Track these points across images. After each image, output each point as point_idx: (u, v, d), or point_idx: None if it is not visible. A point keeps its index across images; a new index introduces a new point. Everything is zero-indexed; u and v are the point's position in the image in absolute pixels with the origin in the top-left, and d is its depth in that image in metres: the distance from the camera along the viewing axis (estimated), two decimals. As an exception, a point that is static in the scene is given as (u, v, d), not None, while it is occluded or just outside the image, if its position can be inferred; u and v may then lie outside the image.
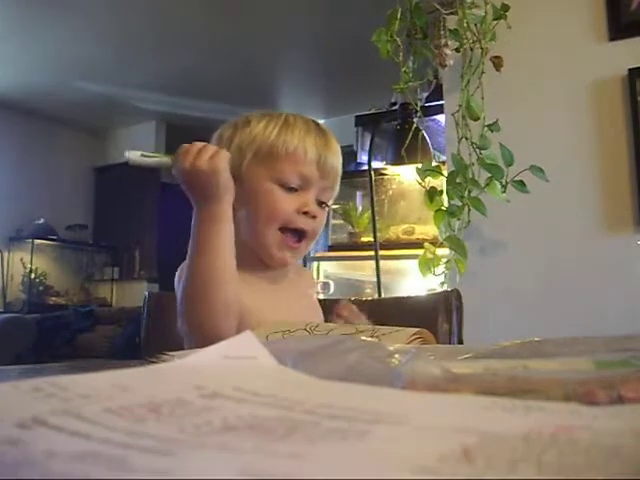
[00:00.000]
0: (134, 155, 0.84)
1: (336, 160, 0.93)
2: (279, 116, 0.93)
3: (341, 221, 2.82)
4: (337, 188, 0.96)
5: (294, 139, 0.89)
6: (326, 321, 0.94)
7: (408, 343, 0.67)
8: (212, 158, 0.78)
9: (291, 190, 0.89)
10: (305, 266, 2.51)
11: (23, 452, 0.17)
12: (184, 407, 0.23)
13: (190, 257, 0.80)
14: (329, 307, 0.97)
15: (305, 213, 0.89)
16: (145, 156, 0.84)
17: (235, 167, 0.90)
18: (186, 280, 0.80)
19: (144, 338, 1.17)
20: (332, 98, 5.45)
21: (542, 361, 0.35)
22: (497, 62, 1.73)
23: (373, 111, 3.05)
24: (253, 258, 0.93)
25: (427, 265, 1.77)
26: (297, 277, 1.02)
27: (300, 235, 0.90)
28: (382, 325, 0.76)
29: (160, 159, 0.83)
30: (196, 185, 0.79)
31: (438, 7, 1.74)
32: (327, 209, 0.96)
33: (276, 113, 0.94)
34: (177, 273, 0.88)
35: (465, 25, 1.72)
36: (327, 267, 2.74)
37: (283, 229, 0.89)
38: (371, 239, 2.26)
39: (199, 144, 0.79)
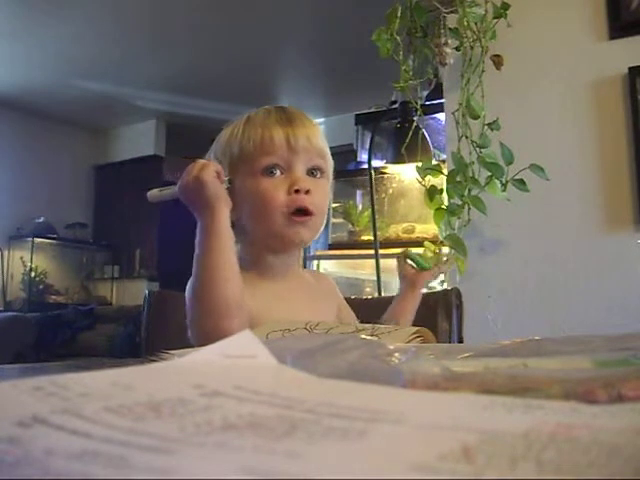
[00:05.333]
0: (153, 192, 0.89)
1: (307, 132, 0.91)
2: (243, 117, 0.95)
3: (341, 220, 2.82)
4: (327, 155, 0.95)
5: (257, 129, 0.90)
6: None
7: (408, 342, 0.67)
8: (199, 172, 0.80)
9: (274, 175, 0.89)
10: (305, 265, 2.50)
11: (23, 451, 0.17)
12: (184, 406, 0.23)
13: (194, 268, 0.82)
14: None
15: (297, 191, 0.89)
16: (162, 190, 0.89)
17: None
18: (193, 290, 0.82)
19: (144, 337, 1.17)
20: (332, 97, 5.45)
21: (542, 360, 0.35)
22: (497, 61, 1.73)
23: (373, 110, 3.05)
24: (264, 262, 0.93)
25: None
26: (316, 282, 1.03)
27: (305, 213, 0.90)
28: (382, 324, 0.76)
29: (174, 189, 0.87)
30: (189, 200, 0.82)
31: (438, 5, 1.74)
32: (325, 180, 0.95)
33: (243, 114, 0.95)
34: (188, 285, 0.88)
35: (465, 24, 1.71)
36: (327, 266, 2.74)
37: (287, 216, 0.89)
38: (371, 238, 2.26)
39: (193, 162, 0.82)
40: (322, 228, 0.96)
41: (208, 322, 0.79)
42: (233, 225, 0.95)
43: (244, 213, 0.91)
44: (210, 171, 0.80)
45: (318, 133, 0.94)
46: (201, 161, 0.82)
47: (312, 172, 0.92)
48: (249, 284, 0.88)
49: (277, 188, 0.89)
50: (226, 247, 0.80)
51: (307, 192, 0.89)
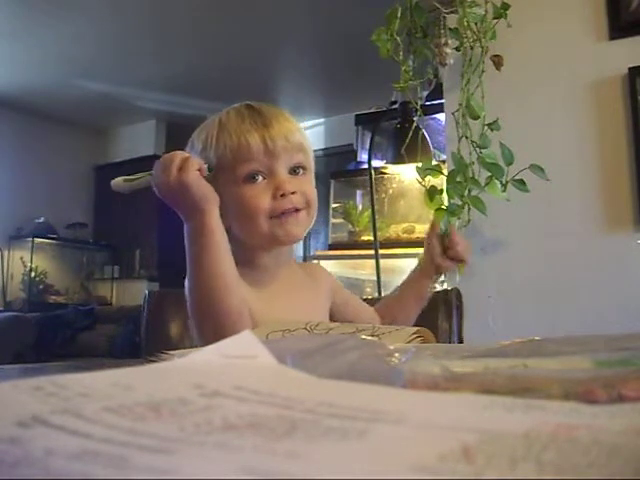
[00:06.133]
0: (117, 182, 0.82)
1: (283, 130, 0.88)
2: (213, 121, 0.91)
3: (341, 220, 2.83)
4: (307, 149, 0.92)
5: (232, 136, 0.87)
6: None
7: (408, 342, 0.67)
8: (180, 171, 0.74)
9: (257, 181, 0.87)
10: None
11: (23, 451, 0.17)
12: (184, 406, 0.23)
13: (190, 271, 0.79)
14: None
15: (282, 196, 0.86)
16: (128, 180, 0.82)
17: None
18: (191, 293, 0.79)
19: (144, 337, 1.17)
20: (332, 97, 5.45)
21: (542, 360, 0.35)
22: (497, 61, 1.73)
23: (373, 110, 3.05)
24: (258, 262, 0.92)
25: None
26: (308, 275, 1.01)
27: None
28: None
29: (144, 178, 0.80)
30: (172, 202, 0.77)
31: (438, 6, 1.74)
32: (308, 173, 0.92)
33: (212, 118, 0.92)
34: (186, 282, 0.85)
35: (465, 24, 1.71)
36: (327, 266, 2.73)
37: (272, 217, 0.87)
38: (371, 238, 2.26)
39: (169, 156, 0.76)
40: (313, 221, 0.93)
41: (212, 327, 0.77)
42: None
43: (231, 220, 0.89)
44: (193, 170, 0.75)
45: (295, 128, 0.91)
46: (179, 156, 0.76)
47: (294, 170, 0.90)
48: (246, 284, 0.87)
49: (261, 195, 0.86)
50: (222, 250, 0.77)
51: (292, 193, 0.87)
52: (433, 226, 1.07)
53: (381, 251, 2.16)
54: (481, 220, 1.74)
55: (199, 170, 0.76)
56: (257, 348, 0.33)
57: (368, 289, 2.83)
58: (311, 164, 0.94)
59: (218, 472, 0.16)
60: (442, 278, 1.88)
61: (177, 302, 1.11)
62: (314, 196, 0.92)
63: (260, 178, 0.87)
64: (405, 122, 2.17)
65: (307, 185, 0.91)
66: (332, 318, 1.00)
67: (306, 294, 0.97)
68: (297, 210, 0.88)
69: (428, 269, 1.05)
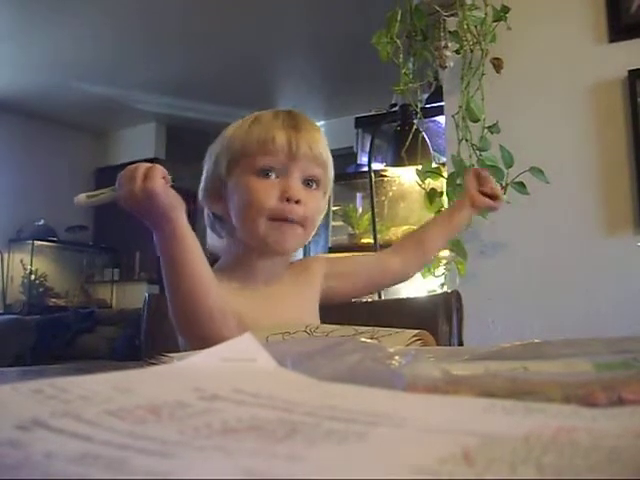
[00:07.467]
0: (80, 198, 0.81)
1: (310, 139, 0.90)
2: (251, 115, 0.94)
3: (341, 223, 2.82)
4: (327, 166, 0.93)
5: (261, 130, 0.89)
6: None
7: (408, 345, 0.67)
8: (145, 180, 0.72)
9: (269, 177, 0.88)
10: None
11: (23, 454, 0.17)
12: (184, 409, 0.23)
13: (167, 279, 0.78)
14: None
15: (287, 200, 0.87)
16: (90, 196, 0.81)
17: (216, 178, 0.92)
18: (171, 301, 0.79)
19: (144, 340, 1.17)
20: (332, 99, 5.46)
21: (542, 363, 0.35)
22: (497, 64, 1.73)
23: (373, 112, 3.05)
24: (251, 265, 0.92)
25: (427, 266, 1.77)
26: (300, 274, 1.00)
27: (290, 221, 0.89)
28: (382, 327, 0.76)
29: (107, 194, 0.79)
30: (138, 212, 0.75)
31: (438, 9, 1.75)
32: (321, 191, 0.93)
33: (251, 115, 0.94)
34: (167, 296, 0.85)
35: (465, 27, 1.72)
36: (327, 268, 2.73)
37: (272, 220, 0.88)
38: (371, 241, 2.26)
39: (133, 166, 0.74)
40: (309, 238, 0.94)
41: (196, 332, 0.78)
42: (221, 219, 0.95)
43: (233, 209, 0.91)
44: (158, 179, 0.73)
45: (322, 142, 0.93)
46: (143, 165, 0.74)
47: (308, 182, 0.91)
48: (235, 286, 0.88)
49: (268, 192, 0.87)
50: (196, 254, 0.77)
51: (297, 202, 0.88)
52: (472, 170, 1.18)
53: (381, 254, 2.15)
54: (481, 223, 1.74)
55: (163, 178, 0.74)
56: (257, 351, 0.33)
57: (368, 292, 2.82)
58: (326, 183, 0.95)
59: (218, 475, 0.16)
60: (442, 281, 1.88)
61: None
62: (315, 214, 0.92)
63: (274, 176, 0.89)
64: (405, 125, 2.17)
65: (314, 201, 0.91)
66: (337, 292, 1.02)
67: (294, 297, 0.96)
68: (295, 223, 0.89)
69: (464, 200, 1.14)
